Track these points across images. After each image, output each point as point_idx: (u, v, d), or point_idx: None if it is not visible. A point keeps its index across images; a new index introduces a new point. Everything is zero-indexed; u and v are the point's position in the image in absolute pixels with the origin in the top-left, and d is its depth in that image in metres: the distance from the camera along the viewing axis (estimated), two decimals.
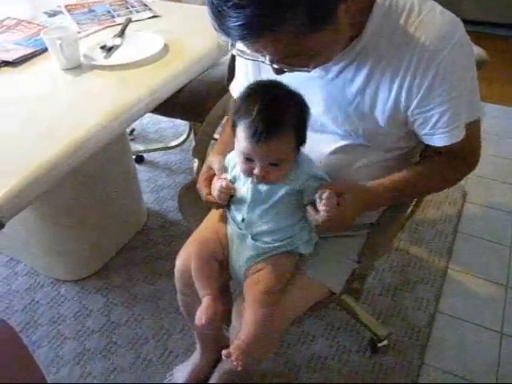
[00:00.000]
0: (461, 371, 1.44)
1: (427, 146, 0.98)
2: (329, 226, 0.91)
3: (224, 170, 1.01)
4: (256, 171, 0.90)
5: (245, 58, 0.87)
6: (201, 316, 0.99)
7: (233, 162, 1.00)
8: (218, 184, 0.97)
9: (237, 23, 0.70)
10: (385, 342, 1.49)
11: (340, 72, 0.92)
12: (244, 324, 0.98)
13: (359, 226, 1.09)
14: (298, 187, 0.94)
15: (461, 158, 0.98)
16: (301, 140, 0.92)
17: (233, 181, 1.00)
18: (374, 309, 1.61)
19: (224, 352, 0.94)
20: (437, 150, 0.97)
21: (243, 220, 0.99)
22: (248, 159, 0.90)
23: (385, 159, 1.01)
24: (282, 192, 0.93)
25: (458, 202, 2.02)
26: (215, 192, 0.98)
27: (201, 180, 1.05)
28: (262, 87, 0.91)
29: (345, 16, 0.77)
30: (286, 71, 0.85)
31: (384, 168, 1.01)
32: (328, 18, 0.74)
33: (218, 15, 0.71)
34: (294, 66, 0.82)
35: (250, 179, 0.94)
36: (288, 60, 0.80)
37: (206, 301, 1.01)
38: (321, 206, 0.88)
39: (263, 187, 0.94)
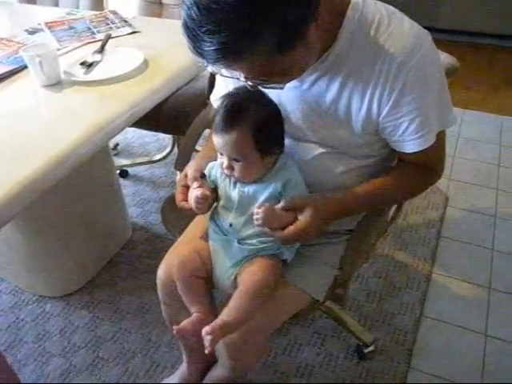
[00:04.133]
0: (447, 374, 1.46)
1: (398, 154, 1.01)
2: (288, 238, 0.93)
3: (199, 178, 1.01)
4: (223, 164, 0.96)
5: (221, 75, 0.90)
6: (186, 327, 0.99)
7: (214, 170, 1.02)
8: (193, 194, 0.98)
9: (211, 48, 0.72)
10: (371, 348, 1.50)
11: (314, 82, 0.94)
12: (227, 308, 0.97)
13: (338, 232, 1.11)
14: (277, 192, 0.96)
15: (428, 167, 1.02)
16: (264, 142, 0.94)
17: (216, 187, 1.02)
18: (359, 315, 1.63)
19: (204, 329, 0.91)
20: (406, 159, 1.00)
21: (231, 225, 1.00)
22: (220, 153, 0.96)
23: (363, 165, 1.03)
24: (264, 195, 0.96)
25: (440, 207, 2.05)
26: (192, 204, 0.98)
27: (177, 187, 1.07)
28: (240, 89, 0.95)
29: (315, 33, 0.80)
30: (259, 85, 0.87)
31: (363, 174, 1.04)
32: (299, 38, 0.77)
33: (193, 39, 0.74)
34: (268, 83, 0.85)
35: (234, 185, 0.98)
36: (262, 77, 0.83)
37: (196, 316, 1.02)
38: (254, 216, 0.92)
39: (249, 190, 0.97)
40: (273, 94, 0.95)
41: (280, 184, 0.96)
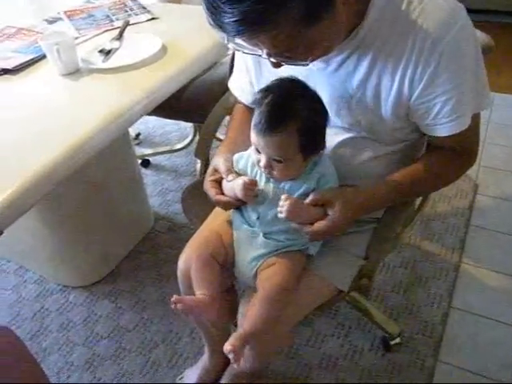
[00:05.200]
0: (476, 368, 1.41)
1: (429, 139, 0.96)
2: (317, 233, 0.90)
3: (233, 170, 0.98)
4: (261, 163, 0.90)
5: (243, 52, 0.86)
6: (186, 301, 0.93)
7: (243, 161, 0.99)
8: (239, 183, 0.93)
9: (232, 19, 0.69)
10: (397, 340, 1.46)
11: (341, 64, 0.90)
12: (250, 316, 0.94)
13: (364, 221, 1.07)
14: (312, 187, 0.92)
15: (460, 153, 0.96)
16: (310, 143, 0.89)
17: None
18: (385, 306, 1.59)
19: (225, 347, 0.88)
20: (437, 144, 0.95)
21: (258, 218, 0.96)
22: (257, 149, 0.91)
23: (390, 152, 0.99)
24: (300, 191, 0.92)
25: (469, 195, 1.99)
26: (240, 192, 0.93)
27: (207, 181, 1.03)
28: (283, 82, 0.90)
29: (343, 6, 0.75)
30: (283, 65, 0.83)
31: (390, 161, 0.99)
32: (325, 9, 0.72)
33: (214, 11, 0.70)
34: (291, 60, 0.81)
35: (268, 179, 0.94)
36: (286, 53, 0.79)
37: (198, 297, 0.97)
38: (279, 208, 0.88)
39: (284, 186, 0.93)
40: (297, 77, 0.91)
41: (315, 180, 0.92)
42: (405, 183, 0.95)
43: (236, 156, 1.00)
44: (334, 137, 0.98)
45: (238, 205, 0.99)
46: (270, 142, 0.87)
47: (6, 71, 1.37)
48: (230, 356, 0.88)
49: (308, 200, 0.90)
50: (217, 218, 1.15)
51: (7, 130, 1.15)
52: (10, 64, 1.38)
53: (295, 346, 1.50)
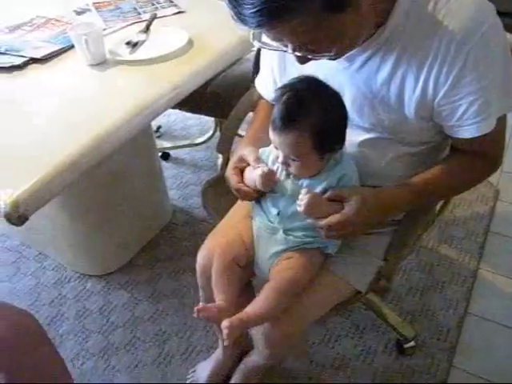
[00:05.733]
0: (491, 375, 1.39)
1: (452, 141, 0.95)
2: (331, 226, 0.89)
3: (259, 161, 0.98)
4: (279, 159, 0.91)
5: (268, 49, 0.86)
6: (208, 309, 0.95)
7: (265, 156, 0.99)
8: (258, 171, 0.93)
9: (253, 10, 0.69)
10: (412, 343, 1.45)
11: (365, 62, 0.89)
12: (254, 301, 0.95)
13: (385, 222, 1.06)
14: (332, 186, 0.92)
15: (484, 156, 0.94)
16: (325, 142, 0.89)
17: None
18: (400, 309, 1.58)
19: (224, 322, 0.89)
20: (461, 146, 0.93)
21: (278, 213, 0.97)
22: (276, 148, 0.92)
23: (413, 153, 0.98)
24: (320, 188, 0.92)
25: (489, 201, 1.96)
26: (258, 180, 0.94)
27: (230, 168, 1.03)
28: (301, 80, 0.90)
29: (367, 2, 0.75)
30: (309, 58, 0.82)
31: (411, 163, 0.98)
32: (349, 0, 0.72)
33: (234, 3, 0.71)
34: (316, 53, 0.80)
35: (288, 175, 0.94)
36: (310, 47, 0.79)
37: (220, 304, 0.98)
38: (298, 201, 0.89)
39: (303, 183, 0.93)
40: (320, 77, 0.90)
41: (336, 179, 0.92)
42: (425, 187, 0.94)
43: (260, 150, 1.00)
44: (355, 137, 0.98)
45: (256, 196, 0.99)
46: (284, 140, 0.88)
47: (34, 60, 1.39)
48: (224, 332, 0.89)
49: (327, 195, 0.90)
50: (236, 214, 1.15)
51: (35, 118, 1.17)
52: (38, 53, 1.40)
53: (309, 344, 1.50)
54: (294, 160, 0.90)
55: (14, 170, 1.00)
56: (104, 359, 1.52)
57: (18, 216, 0.90)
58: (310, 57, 0.82)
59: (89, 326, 1.62)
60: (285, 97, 0.87)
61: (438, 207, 1.20)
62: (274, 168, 0.96)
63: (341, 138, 0.92)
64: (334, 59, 0.82)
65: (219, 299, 0.99)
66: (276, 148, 0.92)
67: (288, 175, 0.95)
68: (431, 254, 1.75)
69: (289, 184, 0.94)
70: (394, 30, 0.84)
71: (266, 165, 0.97)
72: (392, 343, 1.49)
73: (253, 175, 0.96)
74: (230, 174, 1.02)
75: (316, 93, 0.88)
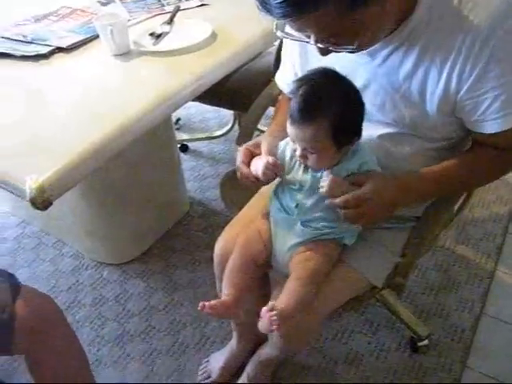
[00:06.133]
0: (505, 377, 1.38)
1: (473, 136, 0.94)
2: (349, 203, 0.88)
3: (271, 153, 0.98)
4: (296, 152, 0.92)
5: (290, 39, 0.87)
6: (213, 306, 0.96)
7: (282, 150, 0.99)
8: (263, 160, 0.94)
9: (279, 0, 0.69)
10: (425, 342, 1.45)
11: (387, 57, 0.89)
12: (283, 295, 0.94)
13: (403, 218, 1.06)
14: (354, 172, 0.92)
15: (506, 151, 0.92)
16: (342, 135, 0.89)
17: (288, 169, 0.98)
18: (415, 307, 1.57)
19: (264, 309, 0.88)
20: (483, 141, 0.92)
21: (297, 206, 0.97)
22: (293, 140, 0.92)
23: (433, 148, 0.97)
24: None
25: (508, 202, 1.94)
26: (260, 168, 0.94)
27: (243, 148, 1.03)
28: (317, 72, 0.90)
29: None
30: (331, 50, 0.82)
31: (433, 158, 0.97)
32: None
33: None
34: (338, 45, 0.80)
35: (307, 167, 0.95)
36: (332, 39, 0.79)
37: (224, 300, 0.98)
38: (320, 183, 0.89)
39: (322, 173, 0.93)
40: (341, 72, 0.90)
41: (355, 167, 0.92)
42: (446, 174, 0.93)
43: (283, 142, 1.00)
44: (375, 131, 0.98)
45: (253, 183, 0.99)
46: (301, 133, 0.88)
47: (60, 49, 1.41)
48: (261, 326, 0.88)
49: (349, 179, 0.90)
50: (255, 207, 1.16)
51: (60, 106, 1.19)
52: (64, 43, 1.42)
53: (321, 339, 1.50)
54: (312, 153, 0.90)
55: (39, 156, 1.01)
56: (119, 346, 1.54)
57: (42, 201, 0.92)
58: (331, 49, 0.82)
59: (105, 313, 1.64)
60: (302, 90, 0.88)
61: (456, 206, 1.20)
62: (293, 161, 0.97)
63: (358, 130, 0.92)
64: (354, 52, 0.82)
65: (226, 294, 1.00)
66: (293, 142, 0.92)
67: (306, 168, 0.95)
68: (448, 254, 1.74)
69: (308, 177, 0.95)
70: (417, 25, 0.83)
71: (278, 159, 0.97)
72: (405, 341, 1.49)
73: (258, 162, 0.97)
74: (240, 153, 1.02)
75: (333, 85, 0.88)
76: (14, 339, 0.95)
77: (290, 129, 0.90)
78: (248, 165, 0.99)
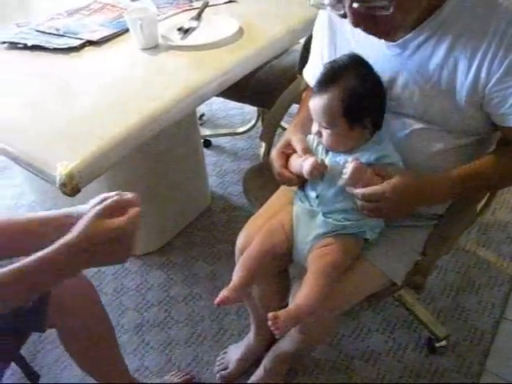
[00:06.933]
0: None
1: (501, 131, 0.93)
2: (367, 196, 0.89)
3: (308, 150, 1.00)
4: (312, 128, 0.97)
5: (323, 9, 0.90)
6: (227, 296, 0.98)
7: (311, 142, 1.01)
8: (310, 160, 0.95)
9: None
10: (443, 343, 1.44)
11: (418, 48, 0.89)
12: (302, 291, 0.95)
13: (425, 216, 1.06)
14: (371, 162, 0.93)
15: None
16: (354, 111, 0.91)
17: None
18: (433, 308, 1.56)
19: (270, 314, 0.89)
20: (510, 137, 0.92)
21: (317, 197, 0.98)
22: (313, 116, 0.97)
23: (461, 145, 0.96)
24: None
25: None
26: (306, 168, 0.95)
27: (276, 152, 1.05)
28: (342, 56, 0.96)
29: None
30: (364, 15, 0.81)
31: (461, 155, 0.97)
32: None
33: None
34: (372, 10, 0.80)
35: (326, 154, 0.98)
36: (366, 4, 0.79)
37: (232, 285, 1.00)
38: (344, 170, 0.91)
39: (340, 159, 0.95)
40: (371, 62, 0.92)
41: (374, 156, 0.92)
42: (470, 173, 0.93)
43: (311, 136, 1.02)
44: (403, 126, 0.97)
45: (297, 183, 1.01)
46: (318, 102, 0.93)
47: (90, 43, 1.44)
48: (270, 323, 0.89)
49: (371, 168, 0.91)
50: (278, 201, 1.17)
51: (89, 96, 1.22)
52: (95, 36, 1.45)
53: (338, 336, 1.51)
54: (325, 128, 0.94)
55: (69, 144, 1.04)
56: (138, 335, 1.57)
57: (72, 187, 0.95)
58: (364, 13, 0.80)
59: (125, 302, 1.68)
60: (324, 68, 0.95)
61: (479, 206, 1.19)
62: (316, 151, 1.00)
63: (373, 115, 0.94)
64: (387, 12, 0.79)
65: (238, 275, 1.01)
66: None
67: (327, 153, 0.97)
68: (468, 256, 1.73)
69: (327, 162, 0.96)
70: (448, 15, 0.84)
71: (315, 154, 0.99)
72: (423, 341, 1.48)
73: (298, 162, 0.98)
74: (275, 157, 1.03)
75: (354, 64, 0.93)
76: (47, 316, 0.98)
77: (310, 104, 0.95)
78: (286, 167, 1.01)
